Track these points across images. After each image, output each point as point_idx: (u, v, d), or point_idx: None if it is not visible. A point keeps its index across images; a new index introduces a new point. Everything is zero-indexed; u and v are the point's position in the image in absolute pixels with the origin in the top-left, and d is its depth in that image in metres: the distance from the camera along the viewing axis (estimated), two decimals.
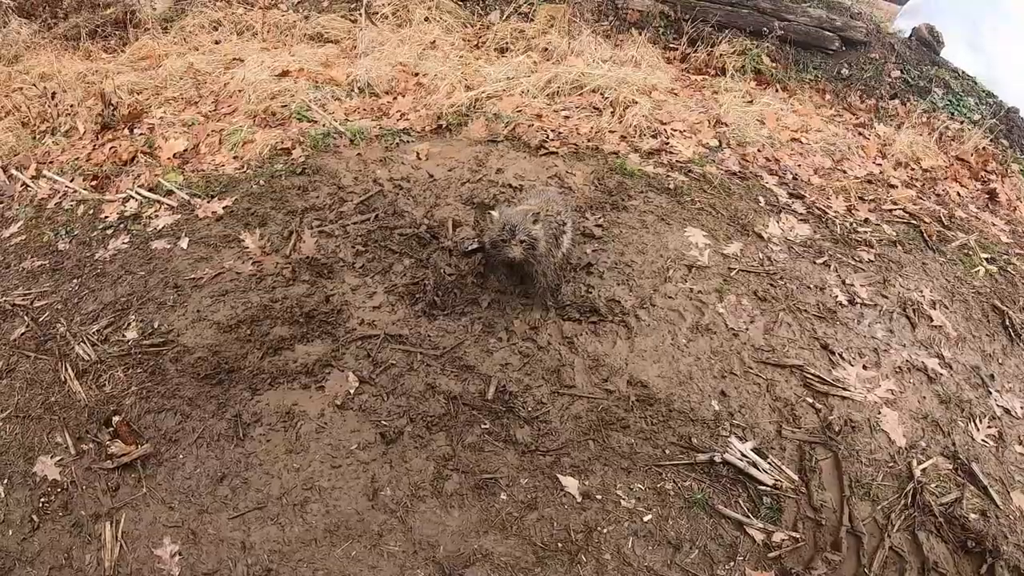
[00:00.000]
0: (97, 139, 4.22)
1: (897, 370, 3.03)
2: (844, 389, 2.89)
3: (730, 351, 2.98)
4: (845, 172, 4.30)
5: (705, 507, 2.51)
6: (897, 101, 5.39)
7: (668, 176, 3.88)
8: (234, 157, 3.96)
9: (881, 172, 4.39)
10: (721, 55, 5.46)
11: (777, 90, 5.22)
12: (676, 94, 4.88)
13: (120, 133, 4.23)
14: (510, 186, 3.68)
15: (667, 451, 2.65)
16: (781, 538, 2.44)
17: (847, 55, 5.61)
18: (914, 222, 3.92)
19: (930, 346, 3.18)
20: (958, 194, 4.39)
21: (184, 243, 3.38)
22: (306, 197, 3.60)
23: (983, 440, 2.86)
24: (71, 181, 3.91)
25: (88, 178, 3.92)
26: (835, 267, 3.46)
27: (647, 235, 3.45)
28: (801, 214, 3.78)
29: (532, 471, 2.57)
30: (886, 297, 3.36)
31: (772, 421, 2.77)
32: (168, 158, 4.00)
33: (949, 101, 5.45)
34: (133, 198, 3.69)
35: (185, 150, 4.06)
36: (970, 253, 3.79)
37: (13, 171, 4.03)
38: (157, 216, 3.56)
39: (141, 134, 4.21)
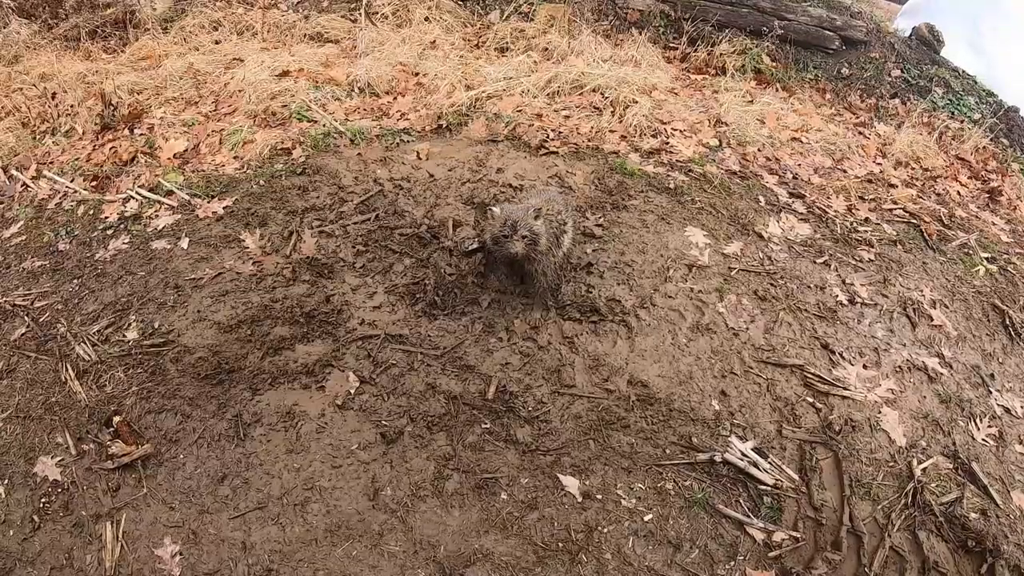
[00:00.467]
0: (97, 139, 4.22)
1: (897, 369, 3.03)
2: (844, 388, 2.89)
3: (730, 351, 2.98)
4: (845, 171, 4.30)
5: (705, 507, 2.51)
6: (897, 100, 5.40)
7: (668, 176, 3.88)
8: (234, 157, 3.96)
9: (881, 171, 4.39)
10: (721, 54, 5.46)
11: (777, 89, 5.23)
12: (676, 94, 4.88)
13: (120, 133, 4.23)
14: (510, 186, 3.68)
15: (667, 451, 2.65)
16: (781, 537, 2.44)
17: (847, 54, 5.61)
18: (914, 221, 3.92)
19: (930, 345, 3.18)
20: (958, 193, 4.39)
21: (184, 243, 3.38)
22: (306, 197, 3.60)
23: (983, 439, 2.86)
24: (71, 181, 3.90)
25: (88, 178, 3.91)
26: (835, 266, 3.46)
27: (647, 235, 3.45)
28: (801, 213, 3.78)
29: (532, 471, 2.57)
30: (886, 296, 3.36)
31: (772, 421, 2.77)
32: (168, 158, 3.99)
33: (949, 100, 5.45)
34: (133, 198, 3.69)
35: (185, 150, 4.06)
36: (970, 252, 3.79)
37: (13, 171, 4.03)
38: (157, 216, 3.56)
39: (141, 134, 4.21)
